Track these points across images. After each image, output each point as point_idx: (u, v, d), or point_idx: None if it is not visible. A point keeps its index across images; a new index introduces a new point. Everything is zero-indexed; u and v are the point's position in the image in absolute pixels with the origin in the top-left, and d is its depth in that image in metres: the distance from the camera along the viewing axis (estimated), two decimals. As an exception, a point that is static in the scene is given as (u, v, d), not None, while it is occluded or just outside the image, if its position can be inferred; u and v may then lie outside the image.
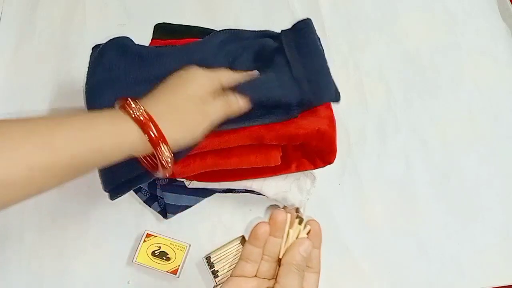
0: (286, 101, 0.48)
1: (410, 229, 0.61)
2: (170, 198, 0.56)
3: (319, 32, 0.59)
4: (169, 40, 0.59)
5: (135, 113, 0.39)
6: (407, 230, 0.61)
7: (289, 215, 0.40)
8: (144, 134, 0.38)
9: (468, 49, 0.74)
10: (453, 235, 0.61)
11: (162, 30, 0.61)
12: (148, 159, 0.43)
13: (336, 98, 0.50)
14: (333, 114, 0.52)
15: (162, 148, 0.39)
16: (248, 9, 0.73)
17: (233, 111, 0.46)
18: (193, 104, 0.42)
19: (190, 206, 0.58)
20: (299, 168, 0.54)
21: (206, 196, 0.59)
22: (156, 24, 0.62)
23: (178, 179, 0.55)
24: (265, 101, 0.47)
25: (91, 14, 0.69)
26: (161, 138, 0.39)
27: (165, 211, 0.57)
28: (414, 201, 0.62)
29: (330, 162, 0.53)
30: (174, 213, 0.57)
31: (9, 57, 0.65)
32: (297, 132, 0.48)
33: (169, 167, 0.41)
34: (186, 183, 0.55)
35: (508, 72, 0.73)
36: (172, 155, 0.40)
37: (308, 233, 0.40)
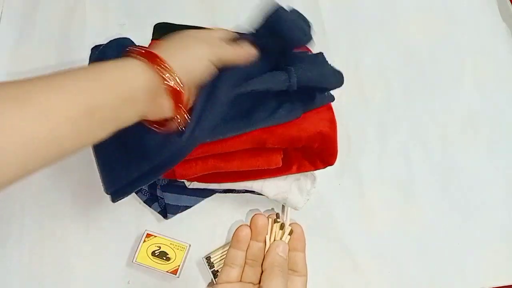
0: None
1: (410, 229, 0.61)
2: (170, 198, 0.56)
3: (319, 32, 0.59)
4: None
5: (138, 51, 0.38)
6: (407, 229, 0.61)
7: (270, 219, 0.40)
8: (149, 63, 0.37)
9: (468, 49, 0.74)
10: (453, 235, 0.61)
11: (162, 30, 0.61)
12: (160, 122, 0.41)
13: (340, 83, 0.50)
14: (334, 116, 0.52)
15: (167, 74, 0.38)
16: (248, 9, 0.73)
17: (242, 56, 0.45)
18: (198, 39, 0.42)
19: (190, 206, 0.58)
20: (300, 170, 0.54)
21: (206, 197, 0.59)
22: (156, 24, 0.61)
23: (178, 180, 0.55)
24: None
25: (91, 14, 0.69)
26: (163, 63, 0.38)
27: (165, 211, 0.57)
28: (414, 201, 0.62)
29: (331, 164, 0.53)
30: (174, 213, 0.57)
31: (9, 57, 0.65)
32: (299, 135, 0.48)
33: (182, 101, 0.39)
34: (187, 183, 0.55)
35: (508, 72, 0.73)
36: (181, 83, 0.39)
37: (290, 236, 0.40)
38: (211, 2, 0.73)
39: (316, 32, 0.60)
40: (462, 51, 0.73)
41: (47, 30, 0.68)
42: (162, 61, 0.38)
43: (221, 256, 0.56)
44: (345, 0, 0.75)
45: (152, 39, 0.60)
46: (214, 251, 0.56)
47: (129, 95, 0.36)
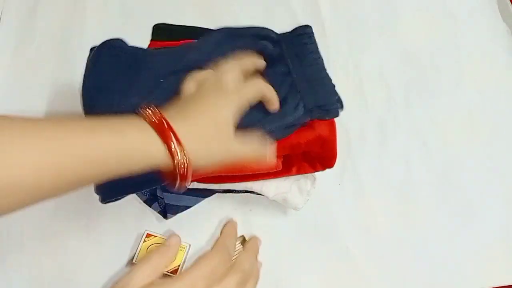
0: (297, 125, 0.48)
1: (410, 229, 0.61)
2: (170, 198, 0.56)
3: (319, 32, 0.59)
4: (168, 42, 0.59)
5: (153, 118, 0.37)
6: (407, 230, 0.61)
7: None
8: (163, 142, 0.37)
9: (468, 49, 0.74)
10: (453, 235, 0.61)
11: (161, 31, 0.61)
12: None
13: (340, 110, 0.51)
14: (333, 119, 0.52)
15: (178, 154, 0.37)
16: (248, 9, 0.73)
17: (259, 161, 0.45)
18: (220, 134, 0.40)
19: (190, 206, 0.58)
20: (299, 171, 0.54)
21: (206, 197, 0.59)
22: (155, 25, 0.61)
23: None
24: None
25: (91, 14, 0.69)
26: (178, 143, 0.37)
27: (165, 211, 0.57)
28: (414, 201, 0.62)
29: (330, 167, 0.54)
30: (174, 213, 0.57)
31: (9, 57, 0.65)
32: (299, 142, 0.48)
33: (187, 176, 0.39)
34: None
35: (508, 72, 0.73)
36: (189, 163, 0.38)
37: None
38: (211, 2, 0.73)
39: (316, 32, 0.61)
40: (462, 51, 0.73)
41: (47, 30, 0.68)
42: (177, 140, 0.37)
43: (221, 256, 0.56)
44: (345, 0, 0.75)
45: (151, 40, 0.60)
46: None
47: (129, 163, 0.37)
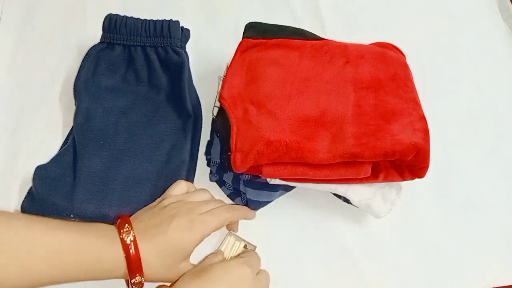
0: None
1: (410, 229, 0.61)
2: (252, 193, 0.56)
3: (319, 32, 0.59)
4: (260, 39, 0.57)
5: (125, 237, 0.44)
6: (407, 229, 0.61)
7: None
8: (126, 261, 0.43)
9: (468, 49, 0.74)
10: (453, 235, 0.61)
11: (254, 30, 0.59)
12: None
13: None
14: (427, 126, 0.51)
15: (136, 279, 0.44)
16: (248, 9, 0.73)
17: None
18: (176, 258, 0.47)
19: (271, 201, 0.57)
20: (386, 179, 0.53)
21: (286, 191, 0.58)
22: (248, 24, 0.60)
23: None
24: None
25: (91, 14, 0.69)
26: (139, 271, 0.44)
27: (247, 206, 0.57)
28: (414, 201, 0.62)
29: (420, 177, 0.52)
30: (256, 208, 0.57)
31: (9, 57, 0.65)
32: (394, 149, 0.48)
33: None
34: (268, 179, 0.54)
35: (508, 72, 0.73)
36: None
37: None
38: (211, 2, 0.73)
39: (316, 32, 0.61)
40: (462, 51, 0.73)
41: (47, 30, 0.68)
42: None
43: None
44: (345, 0, 0.75)
45: (243, 37, 0.59)
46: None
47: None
